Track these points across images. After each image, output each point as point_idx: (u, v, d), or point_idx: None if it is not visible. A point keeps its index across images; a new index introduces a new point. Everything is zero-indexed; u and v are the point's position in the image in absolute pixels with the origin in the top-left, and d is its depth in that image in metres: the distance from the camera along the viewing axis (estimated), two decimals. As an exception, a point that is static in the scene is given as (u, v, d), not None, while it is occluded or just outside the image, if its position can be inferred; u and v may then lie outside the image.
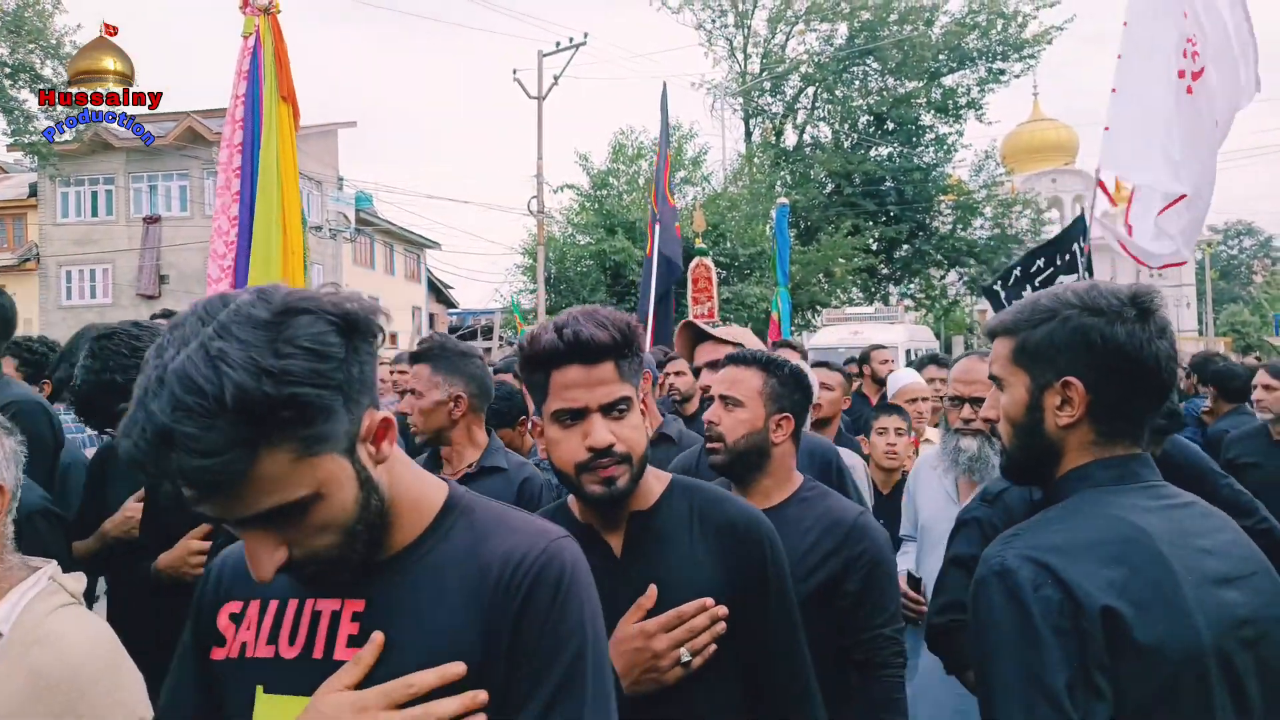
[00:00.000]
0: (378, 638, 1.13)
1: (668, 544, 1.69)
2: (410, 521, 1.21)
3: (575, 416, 1.60)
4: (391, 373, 6.40)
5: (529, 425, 3.84)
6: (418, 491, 1.25)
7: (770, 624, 1.71)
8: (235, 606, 1.24)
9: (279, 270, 4.21)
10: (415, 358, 3.13)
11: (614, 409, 1.61)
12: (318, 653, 1.16)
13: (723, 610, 1.64)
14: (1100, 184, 5.78)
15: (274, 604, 1.21)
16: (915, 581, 3.18)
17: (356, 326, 1.06)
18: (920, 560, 3.27)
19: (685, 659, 1.62)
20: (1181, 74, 5.42)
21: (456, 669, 1.11)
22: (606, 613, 1.57)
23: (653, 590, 1.64)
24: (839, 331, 18.74)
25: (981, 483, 3.06)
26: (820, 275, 26.65)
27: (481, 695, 1.12)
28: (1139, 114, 5.35)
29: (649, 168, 25.76)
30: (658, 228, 8.34)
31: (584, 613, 1.19)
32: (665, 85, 8.76)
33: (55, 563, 1.64)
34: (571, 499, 1.76)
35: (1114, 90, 5.42)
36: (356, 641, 1.15)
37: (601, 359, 1.59)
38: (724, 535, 1.70)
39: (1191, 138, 5.42)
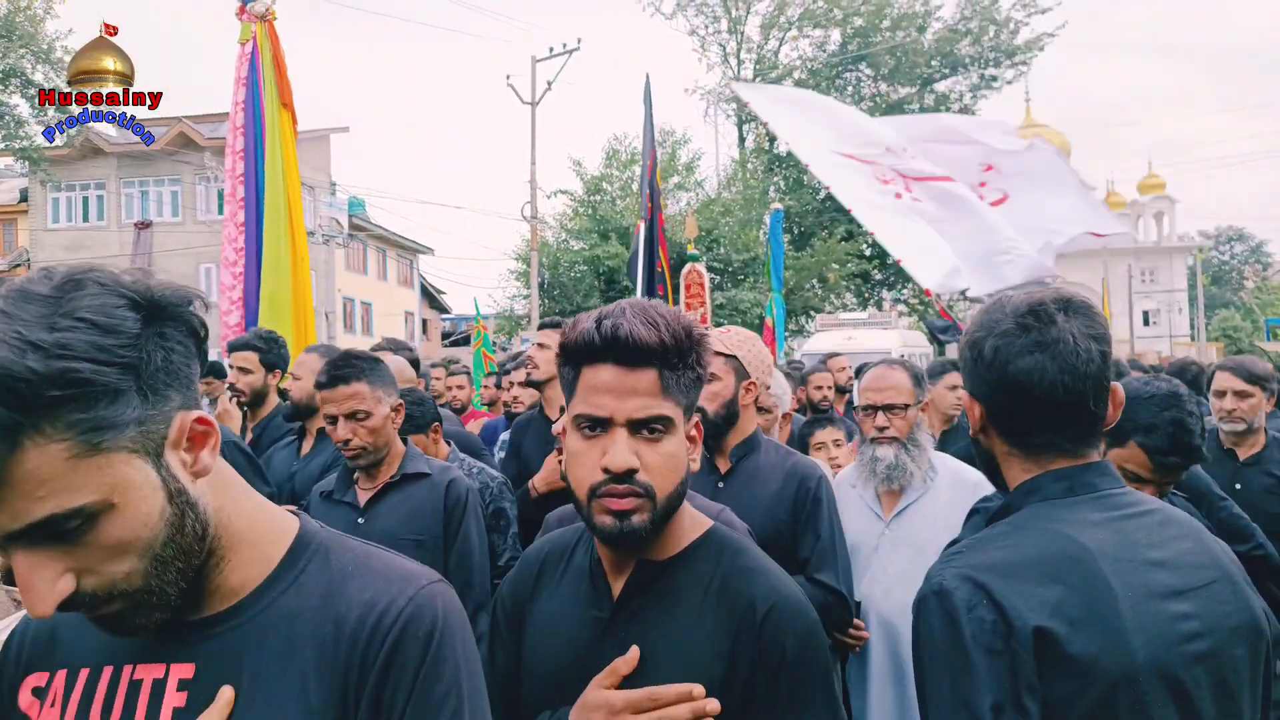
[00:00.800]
0: (226, 693, 0.95)
1: (672, 608, 1.41)
2: (251, 562, 1.02)
3: (598, 426, 1.35)
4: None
5: (441, 432, 3.70)
6: (261, 525, 1.05)
7: None
8: (39, 679, 1.04)
9: (290, 276, 4.19)
10: (346, 378, 2.89)
11: (646, 427, 1.34)
12: None
13: (712, 706, 1.32)
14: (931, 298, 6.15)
15: (84, 673, 1.01)
16: (855, 606, 2.96)
17: (160, 308, 0.90)
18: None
19: None
20: (899, 195, 5.78)
21: None
22: (588, 669, 1.38)
23: (634, 653, 1.36)
24: (833, 337, 18.81)
25: (902, 491, 3.03)
26: (814, 281, 26.70)
27: None
28: (898, 240, 5.71)
29: (642, 173, 25.75)
30: (642, 227, 7.90)
31: (460, 672, 1.01)
32: (648, 77, 8.21)
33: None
34: None
35: (873, 234, 5.88)
36: (184, 716, 0.95)
37: (642, 363, 1.33)
38: (741, 615, 1.38)
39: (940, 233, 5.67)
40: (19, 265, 30.11)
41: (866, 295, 30.99)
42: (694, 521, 1.50)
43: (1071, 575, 1.27)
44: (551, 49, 23.65)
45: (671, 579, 1.43)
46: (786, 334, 23.71)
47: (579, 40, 23.29)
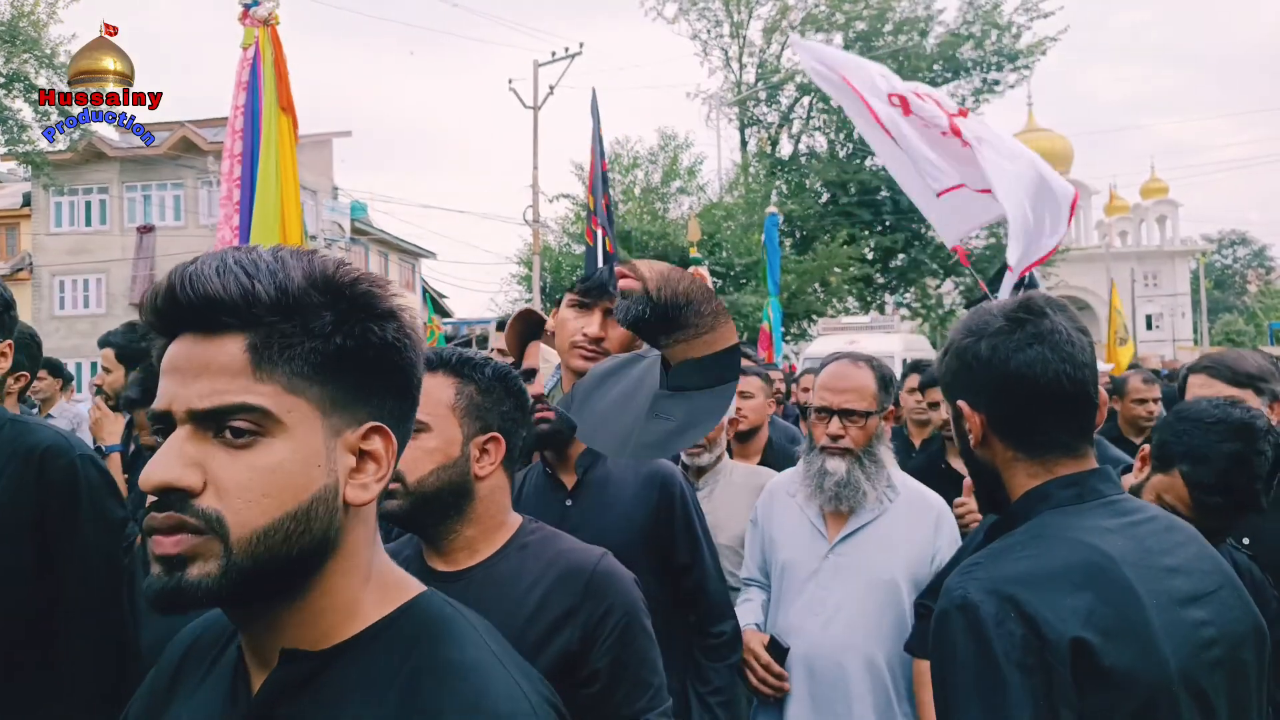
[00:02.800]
0: None
1: None
2: None
3: (165, 426, 0.88)
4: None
5: None
6: None
7: None
8: None
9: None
10: None
11: (224, 426, 0.85)
12: None
13: None
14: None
15: None
16: (782, 652, 2.57)
17: None
18: (777, 611, 2.66)
19: None
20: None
21: None
22: None
23: None
24: (835, 341, 18.70)
25: (851, 511, 2.57)
26: (816, 285, 26.70)
27: None
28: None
29: (644, 177, 25.84)
30: (598, 235, 7.82)
31: None
32: (595, 92, 8.16)
33: None
34: None
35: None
36: None
37: (221, 329, 0.86)
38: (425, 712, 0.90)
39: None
40: (21, 269, 30.15)
41: (869, 299, 30.95)
42: (385, 590, 0.97)
43: (1099, 584, 1.25)
44: (554, 53, 23.67)
45: (331, 681, 0.90)
46: (788, 338, 23.72)
47: (581, 45, 23.28)
